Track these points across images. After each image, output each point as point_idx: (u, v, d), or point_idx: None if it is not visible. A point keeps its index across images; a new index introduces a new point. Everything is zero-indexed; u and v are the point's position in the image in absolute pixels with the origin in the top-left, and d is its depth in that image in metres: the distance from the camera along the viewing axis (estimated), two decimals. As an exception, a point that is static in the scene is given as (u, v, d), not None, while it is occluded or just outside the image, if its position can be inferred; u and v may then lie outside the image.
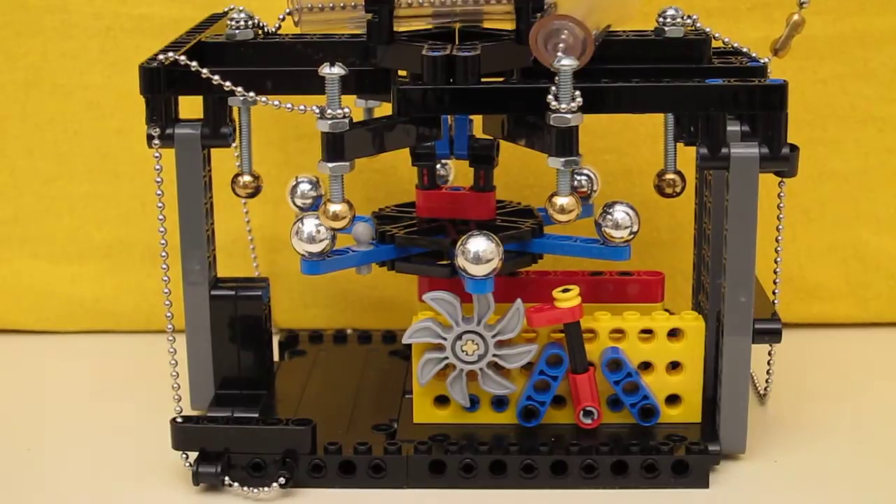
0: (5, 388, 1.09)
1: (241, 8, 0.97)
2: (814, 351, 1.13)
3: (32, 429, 1.01)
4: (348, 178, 0.88)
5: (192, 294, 0.98)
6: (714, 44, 0.95)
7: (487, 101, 0.89)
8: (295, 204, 1.03)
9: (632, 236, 0.92)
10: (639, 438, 0.92)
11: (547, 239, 0.96)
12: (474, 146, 0.98)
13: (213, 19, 1.03)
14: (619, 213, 0.92)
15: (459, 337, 0.92)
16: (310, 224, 0.91)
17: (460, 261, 0.88)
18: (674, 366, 0.95)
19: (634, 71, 0.92)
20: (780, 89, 0.88)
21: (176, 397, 0.92)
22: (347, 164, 0.87)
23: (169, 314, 0.92)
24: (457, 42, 0.95)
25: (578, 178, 1.03)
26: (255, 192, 1.00)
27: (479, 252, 0.88)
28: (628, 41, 0.94)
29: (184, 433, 0.91)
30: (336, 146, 0.86)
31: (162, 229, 0.91)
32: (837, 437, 0.98)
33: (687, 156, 0.96)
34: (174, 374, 0.92)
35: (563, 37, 0.88)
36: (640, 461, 0.90)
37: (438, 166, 1.04)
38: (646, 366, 0.94)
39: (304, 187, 1.03)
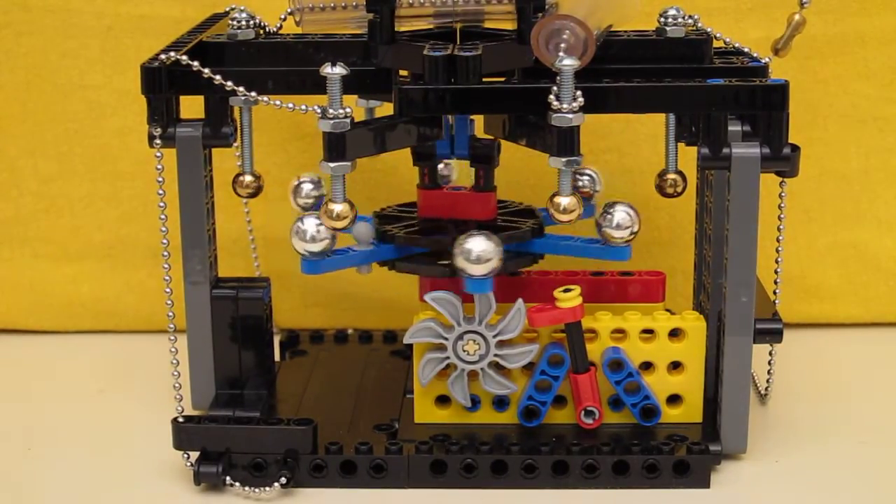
0: (5, 388, 1.09)
1: (242, 8, 0.97)
2: (814, 351, 1.13)
3: (33, 429, 1.01)
4: (349, 177, 0.88)
5: (193, 294, 0.98)
6: (715, 44, 0.95)
7: (489, 101, 0.89)
8: (297, 204, 1.03)
9: (632, 236, 0.93)
10: (640, 438, 0.92)
11: (548, 239, 0.96)
12: (475, 146, 0.98)
13: (215, 19, 1.03)
14: (620, 213, 0.92)
15: (461, 337, 0.92)
16: (310, 223, 0.91)
17: (459, 261, 0.88)
18: (675, 366, 0.95)
19: (636, 71, 0.92)
20: (782, 89, 0.88)
21: (177, 397, 0.92)
22: (349, 163, 0.87)
23: (170, 314, 0.92)
24: (458, 42, 0.95)
25: (580, 178, 1.02)
26: (257, 191, 1.00)
27: (479, 252, 0.88)
28: (629, 41, 0.94)
29: (185, 433, 0.91)
30: (337, 146, 0.86)
31: (163, 229, 0.91)
32: (838, 436, 0.98)
33: (688, 156, 0.96)
34: (175, 373, 0.92)
35: (564, 37, 0.88)
36: (642, 461, 0.90)
37: (441, 166, 1.04)
38: (647, 366, 0.94)
39: (307, 187, 1.03)
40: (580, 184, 1.03)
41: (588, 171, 1.03)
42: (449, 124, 0.98)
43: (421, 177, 0.99)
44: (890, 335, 1.17)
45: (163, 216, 0.91)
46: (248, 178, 0.99)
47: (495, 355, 0.92)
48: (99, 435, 1.00)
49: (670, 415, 0.95)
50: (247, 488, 0.90)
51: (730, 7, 1.13)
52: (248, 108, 0.97)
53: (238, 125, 0.97)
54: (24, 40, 1.15)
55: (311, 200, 1.03)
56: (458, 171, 1.07)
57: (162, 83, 0.91)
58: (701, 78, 0.91)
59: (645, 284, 0.98)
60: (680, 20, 0.94)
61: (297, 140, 1.16)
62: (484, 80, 0.89)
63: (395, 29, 0.93)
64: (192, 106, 0.96)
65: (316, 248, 0.91)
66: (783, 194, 0.94)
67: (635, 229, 0.92)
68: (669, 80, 0.90)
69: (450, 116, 0.97)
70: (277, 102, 0.89)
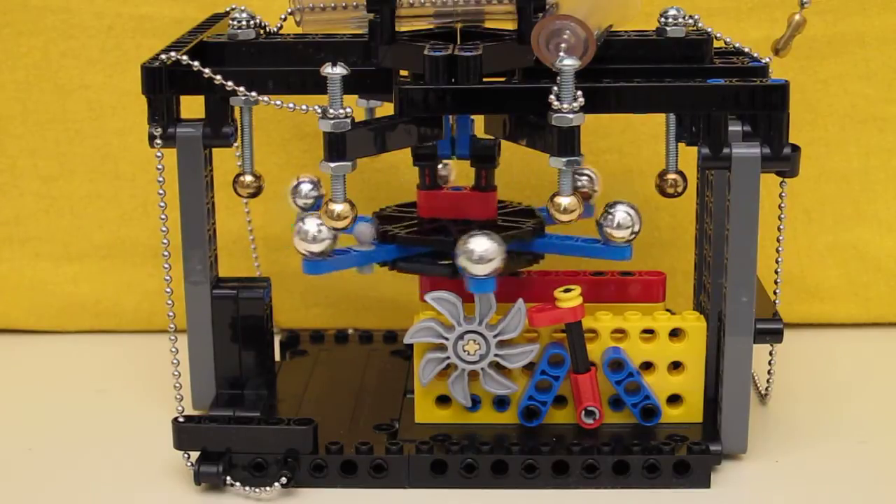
0: (5, 388, 1.09)
1: (242, 8, 0.97)
2: (814, 351, 1.13)
3: (33, 429, 1.01)
4: (350, 177, 0.88)
5: (193, 294, 0.98)
6: (715, 44, 0.95)
7: (489, 101, 0.89)
8: (296, 204, 1.03)
9: (633, 236, 0.93)
10: (640, 438, 0.92)
11: (549, 239, 0.96)
12: (476, 146, 0.98)
13: (215, 19, 1.03)
14: (621, 212, 0.92)
15: (461, 337, 0.92)
16: (311, 224, 0.91)
17: (462, 261, 0.88)
18: (675, 366, 0.95)
19: (636, 71, 0.92)
20: (782, 89, 0.88)
21: (177, 397, 0.92)
22: (349, 163, 0.87)
23: (170, 314, 0.92)
24: (458, 42, 0.95)
25: (579, 178, 1.03)
26: (257, 191, 1.00)
27: (482, 252, 0.88)
28: (630, 41, 0.94)
29: (185, 433, 0.91)
30: (338, 146, 0.86)
31: (163, 229, 0.91)
32: (838, 437, 0.98)
33: (688, 156, 0.96)
34: (176, 373, 0.92)
35: (564, 37, 0.88)
36: (642, 461, 0.90)
37: (440, 166, 1.04)
38: (647, 366, 0.95)
39: (306, 187, 1.03)
40: (579, 184, 1.03)
41: (587, 172, 1.03)
42: (450, 124, 0.98)
43: (422, 177, 0.99)
44: (890, 335, 1.17)
45: (163, 216, 0.91)
46: (248, 178, 0.99)
47: (496, 355, 0.92)
48: (99, 435, 1.00)
49: (670, 415, 0.95)
50: (247, 488, 0.90)
51: (730, 7, 1.13)
52: (248, 108, 0.97)
53: (238, 125, 0.97)
54: (24, 40, 1.15)
55: (310, 201, 1.03)
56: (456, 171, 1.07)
57: (162, 83, 0.92)
58: (701, 78, 0.91)
59: (645, 284, 0.98)
60: (680, 20, 0.94)
61: (297, 140, 1.16)
62: (484, 80, 0.89)
63: (396, 29, 0.93)
64: (192, 106, 0.96)
65: (317, 248, 0.91)
66: (783, 194, 0.94)
67: (636, 229, 0.92)
68: (669, 80, 0.90)
69: (451, 116, 0.97)
70: (278, 102, 0.89)
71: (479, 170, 0.97)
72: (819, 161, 1.15)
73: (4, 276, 1.19)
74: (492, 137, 0.96)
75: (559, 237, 0.96)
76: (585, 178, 1.03)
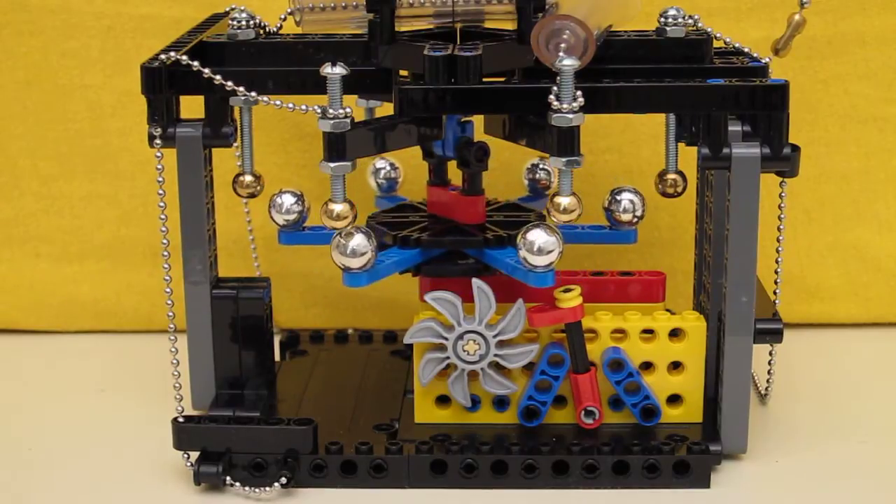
0: (5, 388, 1.09)
1: (242, 8, 0.97)
2: (814, 351, 1.13)
3: (33, 429, 1.01)
4: (349, 177, 0.88)
5: (193, 294, 0.98)
6: (715, 44, 0.95)
7: (489, 101, 0.89)
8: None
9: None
10: (640, 438, 0.92)
11: (497, 251, 0.94)
12: (461, 149, 0.97)
13: (215, 19, 1.03)
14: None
15: (461, 337, 0.92)
16: (286, 198, 0.98)
17: (336, 256, 0.89)
18: (675, 366, 0.95)
19: (636, 71, 0.92)
20: (782, 89, 0.88)
21: (177, 397, 0.92)
22: (349, 163, 0.87)
23: (170, 314, 0.92)
24: (458, 42, 0.95)
25: (618, 199, 1.00)
26: (257, 192, 1.00)
27: (354, 246, 0.88)
28: (630, 41, 0.94)
29: (185, 433, 0.91)
30: (338, 146, 0.86)
31: (163, 229, 0.91)
32: (838, 437, 0.98)
33: (688, 156, 0.96)
34: (175, 373, 0.92)
35: (564, 37, 0.88)
36: (642, 461, 0.90)
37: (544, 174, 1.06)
38: (647, 366, 0.95)
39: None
40: (621, 206, 0.99)
41: (627, 192, 1.00)
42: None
43: (428, 173, 0.99)
44: (890, 335, 1.17)
45: (163, 216, 0.91)
46: (248, 179, 0.99)
47: (495, 355, 0.92)
48: (99, 435, 1.00)
49: (670, 415, 0.95)
50: (247, 488, 0.90)
51: (730, 7, 1.13)
52: (248, 108, 0.97)
53: (238, 125, 0.97)
54: (24, 40, 1.15)
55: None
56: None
57: (162, 83, 0.91)
58: (701, 78, 0.91)
59: (645, 284, 0.98)
60: (680, 20, 0.94)
61: (297, 140, 1.16)
62: (484, 80, 0.89)
63: (395, 29, 0.93)
64: (192, 106, 0.96)
65: (291, 217, 0.98)
66: (783, 194, 0.94)
67: (559, 251, 0.89)
68: (669, 80, 0.90)
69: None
70: (277, 102, 0.89)
71: (463, 173, 0.97)
72: (819, 161, 1.15)
73: (4, 276, 1.19)
74: (476, 141, 0.96)
75: (511, 252, 0.93)
76: (626, 199, 1.00)
